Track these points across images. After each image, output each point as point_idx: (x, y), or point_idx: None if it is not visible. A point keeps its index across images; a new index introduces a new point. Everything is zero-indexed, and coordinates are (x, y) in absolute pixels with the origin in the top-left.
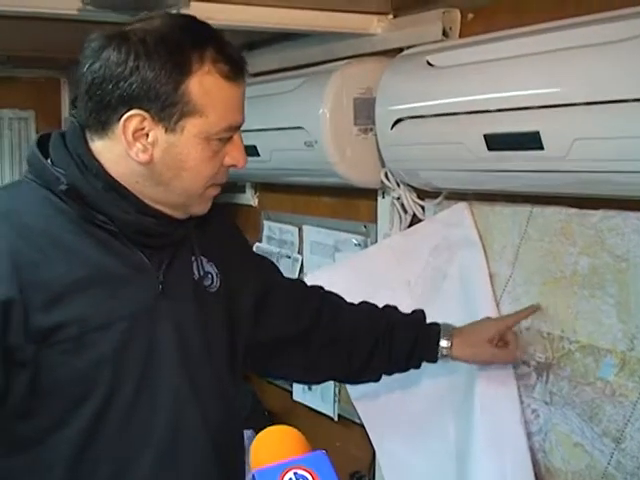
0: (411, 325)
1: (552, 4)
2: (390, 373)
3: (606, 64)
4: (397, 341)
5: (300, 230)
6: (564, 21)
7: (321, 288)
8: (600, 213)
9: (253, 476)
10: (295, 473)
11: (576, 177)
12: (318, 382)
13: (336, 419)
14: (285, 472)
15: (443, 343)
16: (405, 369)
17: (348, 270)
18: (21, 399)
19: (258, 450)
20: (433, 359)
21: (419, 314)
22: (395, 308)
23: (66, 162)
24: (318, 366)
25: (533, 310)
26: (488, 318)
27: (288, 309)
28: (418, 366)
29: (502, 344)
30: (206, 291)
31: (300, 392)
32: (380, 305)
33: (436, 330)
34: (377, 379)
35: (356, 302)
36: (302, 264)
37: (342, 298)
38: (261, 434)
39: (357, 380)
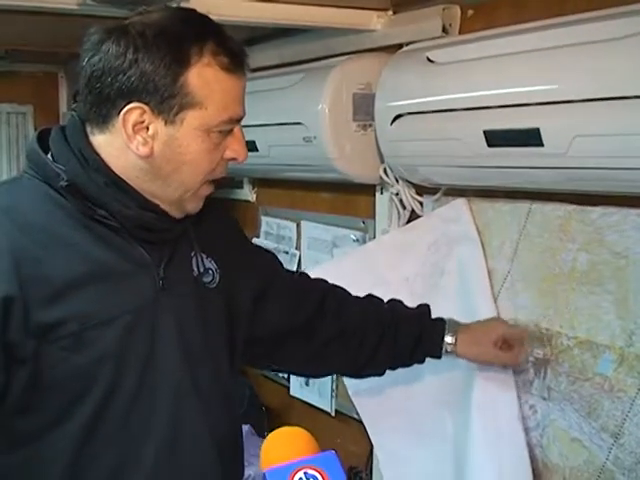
0: (416, 320)
1: (552, 1)
2: (394, 367)
3: (606, 61)
4: (402, 335)
5: (298, 226)
6: (564, 18)
7: (325, 281)
8: (599, 210)
9: (264, 476)
10: (305, 473)
11: (576, 174)
12: (321, 375)
13: (333, 414)
14: (295, 472)
15: (448, 339)
16: (409, 364)
17: (346, 266)
18: (21, 395)
19: (269, 450)
20: (437, 355)
21: (424, 308)
22: (400, 302)
23: (66, 157)
24: (322, 359)
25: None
26: (496, 319)
27: (287, 302)
28: (422, 361)
29: (506, 347)
30: (206, 287)
31: (297, 387)
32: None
33: (441, 325)
34: (381, 373)
35: (360, 296)
36: (300, 260)
37: (347, 292)
38: (271, 435)
39: (361, 374)
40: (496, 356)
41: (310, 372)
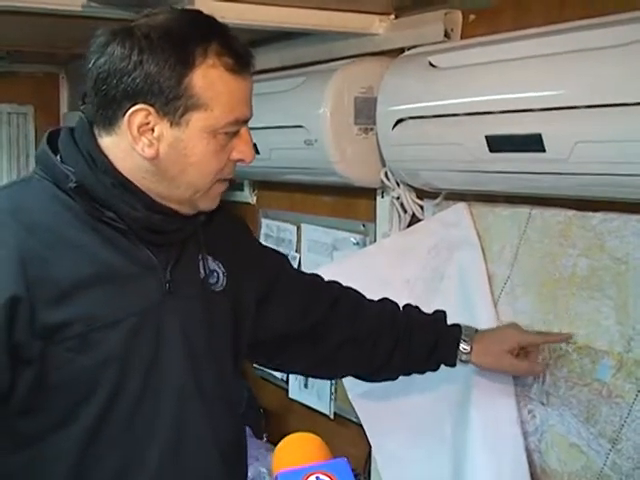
0: (431, 326)
1: (554, 6)
2: (408, 373)
3: (609, 67)
4: (417, 341)
5: (298, 228)
6: (566, 24)
7: (339, 284)
8: (600, 215)
9: (276, 478)
10: (317, 477)
11: (577, 180)
12: (337, 377)
13: (332, 417)
14: (307, 476)
15: (463, 346)
16: (423, 371)
17: (346, 269)
18: (26, 396)
19: (282, 454)
20: (452, 362)
21: (440, 315)
22: (417, 307)
23: (75, 159)
24: (334, 363)
25: (565, 338)
26: (513, 326)
27: (294, 305)
28: (436, 369)
29: (523, 354)
30: (212, 290)
31: (296, 390)
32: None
33: (457, 332)
34: (395, 378)
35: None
36: (300, 263)
37: (362, 295)
38: (285, 440)
39: (376, 378)
40: (512, 365)
41: (322, 374)
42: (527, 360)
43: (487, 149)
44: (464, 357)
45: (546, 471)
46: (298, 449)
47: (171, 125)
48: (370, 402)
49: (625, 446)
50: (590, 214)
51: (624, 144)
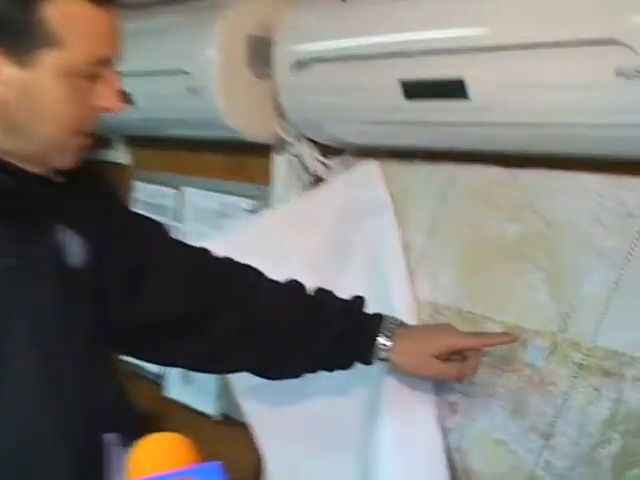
0: (344, 314)
1: None
2: (314, 370)
3: (538, 4)
4: (325, 333)
5: (180, 193)
6: None
7: (232, 261)
8: (530, 173)
9: None
10: None
11: (504, 131)
12: (227, 372)
13: (218, 418)
14: None
15: (381, 341)
16: (331, 368)
17: (238, 241)
18: None
19: (137, 459)
20: (366, 359)
21: (357, 301)
22: (329, 292)
23: None
24: (223, 356)
25: (509, 340)
26: (447, 326)
27: (176, 284)
28: (347, 366)
29: (460, 358)
30: (70, 267)
31: (175, 386)
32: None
33: (375, 324)
34: (299, 375)
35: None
36: (182, 234)
37: (262, 274)
38: (142, 441)
39: (276, 375)
40: (438, 371)
41: (208, 368)
42: (458, 364)
43: (402, 96)
44: (382, 354)
45: (468, 472)
46: (158, 452)
47: (18, 66)
48: (261, 400)
49: (560, 442)
50: (520, 171)
51: (555, 90)
